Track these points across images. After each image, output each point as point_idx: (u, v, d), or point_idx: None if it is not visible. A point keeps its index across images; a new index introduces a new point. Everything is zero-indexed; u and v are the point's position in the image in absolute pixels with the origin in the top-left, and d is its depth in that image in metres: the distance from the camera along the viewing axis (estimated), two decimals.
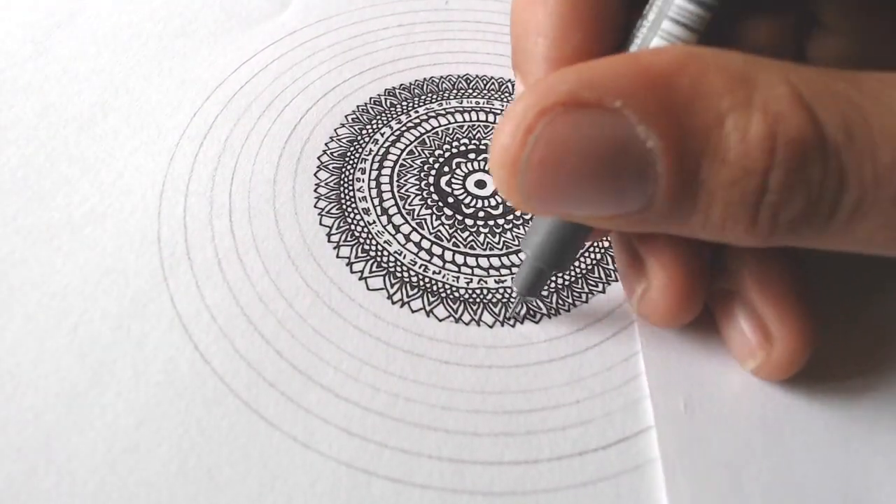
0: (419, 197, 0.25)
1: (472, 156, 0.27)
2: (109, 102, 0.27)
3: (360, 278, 0.23)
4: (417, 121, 0.28)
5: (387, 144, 0.27)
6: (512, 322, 0.22)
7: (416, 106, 0.28)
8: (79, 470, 0.18)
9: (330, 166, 0.26)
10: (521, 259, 0.24)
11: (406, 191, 0.25)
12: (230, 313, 0.22)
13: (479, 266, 0.23)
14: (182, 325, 0.21)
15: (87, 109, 0.27)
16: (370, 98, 0.28)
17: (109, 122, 0.27)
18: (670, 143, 0.15)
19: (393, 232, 0.24)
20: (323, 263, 0.23)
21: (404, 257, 0.24)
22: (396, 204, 0.25)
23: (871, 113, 0.14)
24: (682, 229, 0.16)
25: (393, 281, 0.23)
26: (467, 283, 0.23)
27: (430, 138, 0.27)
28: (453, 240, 0.24)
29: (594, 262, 0.24)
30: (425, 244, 0.24)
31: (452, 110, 0.28)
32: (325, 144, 0.27)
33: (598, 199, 0.16)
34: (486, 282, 0.23)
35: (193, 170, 0.25)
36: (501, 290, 0.23)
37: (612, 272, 0.24)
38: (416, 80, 0.29)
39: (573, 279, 0.23)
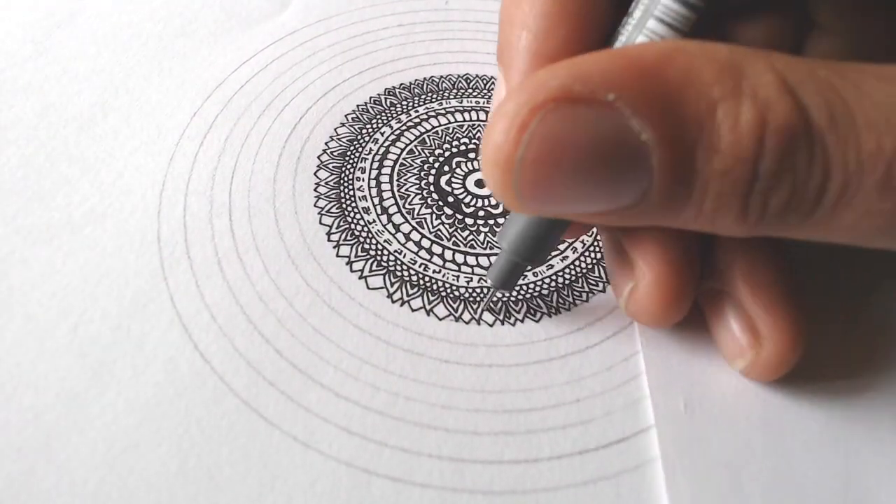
0: (419, 196, 0.25)
1: (471, 155, 0.27)
2: (109, 102, 0.27)
3: (360, 277, 0.23)
4: (417, 120, 0.28)
5: (387, 144, 0.27)
6: (481, 314, 0.22)
7: (416, 105, 0.28)
8: (79, 470, 0.18)
9: (330, 165, 0.26)
10: None
11: (406, 190, 0.25)
12: (230, 312, 0.22)
13: (479, 265, 0.23)
14: (182, 324, 0.21)
15: (87, 109, 0.27)
16: (370, 97, 0.28)
17: (109, 122, 0.27)
18: (664, 135, 0.15)
19: (393, 231, 0.24)
20: (323, 262, 0.23)
21: (404, 256, 0.24)
22: (396, 203, 0.25)
23: (854, 100, 0.14)
24: (674, 221, 0.16)
25: (393, 280, 0.23)
26: (467, 282, 0.23)
27: (430, 138, 0.27)
28: (453, 239, 0.24)
29: (594, 261, 0.24)
30: (425, 243, 0.24)
31: (452, 110, 0.28)
32: (325, 144, 0.27)
33: (593, 195, 0.16)
34: (486, 281, 0.23)
35: (193, 169, 0.25)
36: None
37: None
38: (416, 80, 0.29)
39: (574, 278, 0.23)
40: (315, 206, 0.25)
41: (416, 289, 0.23)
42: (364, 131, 0.27)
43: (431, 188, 0.26)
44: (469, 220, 0.25)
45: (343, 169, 0.26)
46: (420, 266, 0.23)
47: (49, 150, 0.25)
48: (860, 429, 0.20)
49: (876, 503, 0.19)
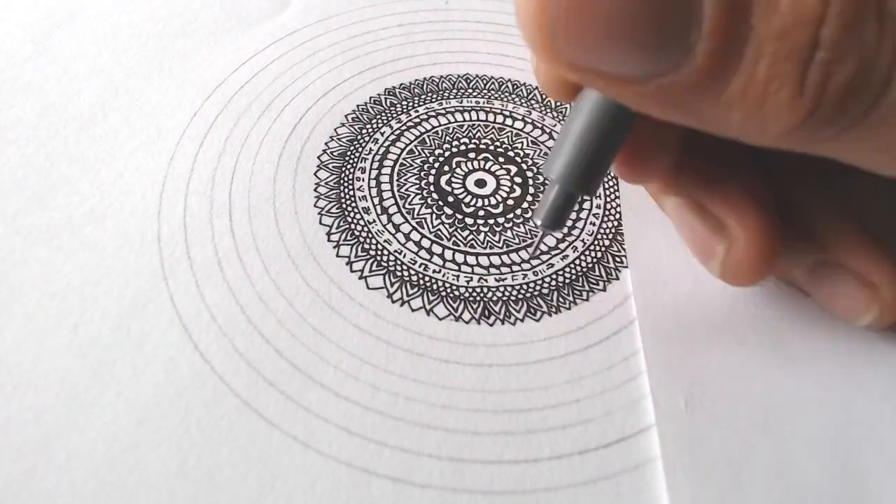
0: (419, 196, 0.25)
1: (471, 155, 0.27)
2: (109, 102, 0.27)
3: (360, 277, 0.23)
4: (417, 120, 0.28)
5: (387, 144, 0.27)
6: (538, 257, 0.21)
7: (416, 105, 0.28)
8: (79, 470, 0.18)
9: (330, 165, 0.26)
10: (520, 256, 0.24)
11: (406, 190, 0.25)
12: (230, 313, 0.22)
13: (479, 265, 0.23)
14: (182, 324, 0.21)
15: (87, 109, 0.27)
16: (370, 97, 0.28)
17: (109, 122, 0.27)
18: None
19: (393, 231, 0.24)
20: (323, 262, 0.23)
21: (404, 256, 0.24)
22: (396, 203, 0.25)
23: None
24: (717, 100, 0.15)
25: (393, 280, 0.23)
26: (467, 282, 0.23)
27: (430, 138, 0.27)
28: (453, 239, 0.24)
29: (595, 260, 0.24)
30: (425, 243, 0.24)
31: (452, 110, 0.28)
32: (325, 144, 0.27)
33: (635, 43, 0.14)
34: (486, 280, 0.23)
35: (193, 169, 0.25)
36: (502, 288, 0.23)
37: (612, 270, 0.23)
38: (416, 80, 0.29)
39: (574, 277, 0.23)
40: (315, 206, 0.25)
41: (416, 289, 0.23)
42: (364, 131, 0.27)
43: (431, 188, 0.25)
44: (469, 220, 0.25)
45: (343, 169, 0.26)
46: (420, 266, 0.23)
47: (49, 150, 0.25)
48: (861, 428, 0.20)
49: (876, 502, 0.19)
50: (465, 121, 0.28)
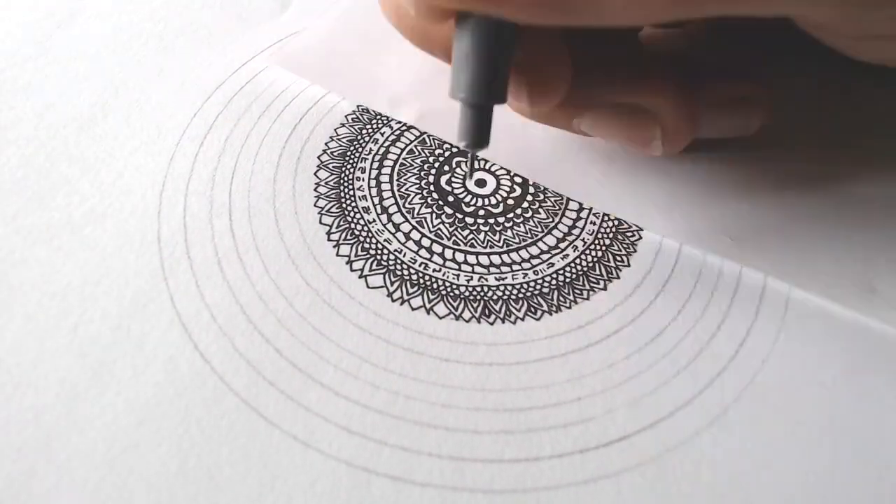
0: (419, 196, 0.25)
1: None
2: (109, 102, 0.27)
3: (360, 276, 0.23)
4: None
5: (387, 144, 0.27)
6: (471, 179, 0.22)
7: None
8: (79, 470, 0.18)
9: (330, 165, 0.26)
10: (520, 256, 0.24)
11: (406, 190, 0.25)
12: (230, 312, 0.22)
13: (479, 264, 0.23)
14: (182, 324, 0.21)
15: (87, 109, 0.27)
16: None
17: (109, 122, 0.27)
18: None
19: (393, 230, 0.24)
20: (323, 262, 0.23)
21: (404, 255, 0.23)
22: (396, 203, 0.25)
23: None
24: None
25: (393, 279, 0.23)
26: (467, 281, 0.23)
27: (430, 138, 0.27)
28: (453, 238, 0.24)
29: (595, 259, 0.24)
30: (425, 242, 0.24)
31: None
32: (325, 144, 0.27)
33: None
34: (486, 279, 0.23)
35: (193, 169, 0.25)
36: (502, 287, 0.23)
37: (613, 269, 0.23)
38: None
39: (574, 276, 0.23)
40: (315, 205, 0.25)
41: (416, 288, 0.23)
42: (364, 131, 0.27)
43: (431, 188, 0.25)
44: (469, 220, 0.25)
45: (343, 169, 0.26)
46: (420, 265, 0.23)
47: (49, 150, 0.25)
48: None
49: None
50: None
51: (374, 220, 0.24)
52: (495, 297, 0.23)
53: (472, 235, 0.24)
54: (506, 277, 0.23)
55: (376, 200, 0.25)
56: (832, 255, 0.23)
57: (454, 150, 0.27)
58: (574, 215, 0.25)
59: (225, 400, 0.20)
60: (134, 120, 0.27)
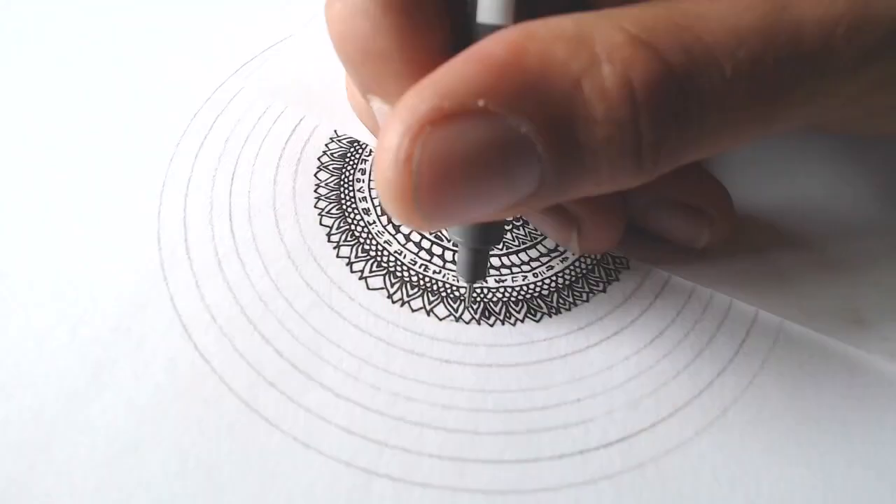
0: None
1: None
2: (110, 102, 0.27)
3: (361, 278, 0.23)
4: None
5: None
6: (472, 311, 0.22)
7: None
8: (79, 470, 0.18)
9: (330, 167, 0.26)
10: (520, 258, 0.24)
11: None
12: (230, 313, 0.22)
13: None
14: (182, 324, 0.21)
15: (88, 109, 0.27)
16: None
17: (110, 122, 0.27)
18: (541, 123, 0.15)
19: (393, 232, 0.24)
20: (323, 263, 0.23)
21: (404, 257, 0.24)
22: None
23: (700, 30, 0.15)
24: (579, 192, 0.17)
25: (393, 280, 0.23)
26: None
27: None
28: (453, 239, 0.24)
29: (595, 261, 0.24)
30: (425, 244, 0.24)
31: None
32: (326, 145, 0.27)
33: (495, 195, 0.16)
34: (486, 281, 0.23)
35: (193, 170, 0.25)
36: (502, 289, 0.23)
37: (613, 272, 0.24)
38: None
39: (574, 279, 0.23)
40: (315, 206, 0.25)
41: (416, 289, 0.23)
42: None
43: None
44: None
45: (343, 170, 0.26)
46: (420, 266, 0.23)
47: (49, 151, 0.25)
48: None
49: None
50: None
51: (375, 222, 0.24)
52: (495, 300, 0.23)
53: None
54: (505, 280, 0.23)
55: (377, 202, 0.25)
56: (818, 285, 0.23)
57: None
58: None
59: (225, 400, 0.20)
60: (134, 120, 0.27)
